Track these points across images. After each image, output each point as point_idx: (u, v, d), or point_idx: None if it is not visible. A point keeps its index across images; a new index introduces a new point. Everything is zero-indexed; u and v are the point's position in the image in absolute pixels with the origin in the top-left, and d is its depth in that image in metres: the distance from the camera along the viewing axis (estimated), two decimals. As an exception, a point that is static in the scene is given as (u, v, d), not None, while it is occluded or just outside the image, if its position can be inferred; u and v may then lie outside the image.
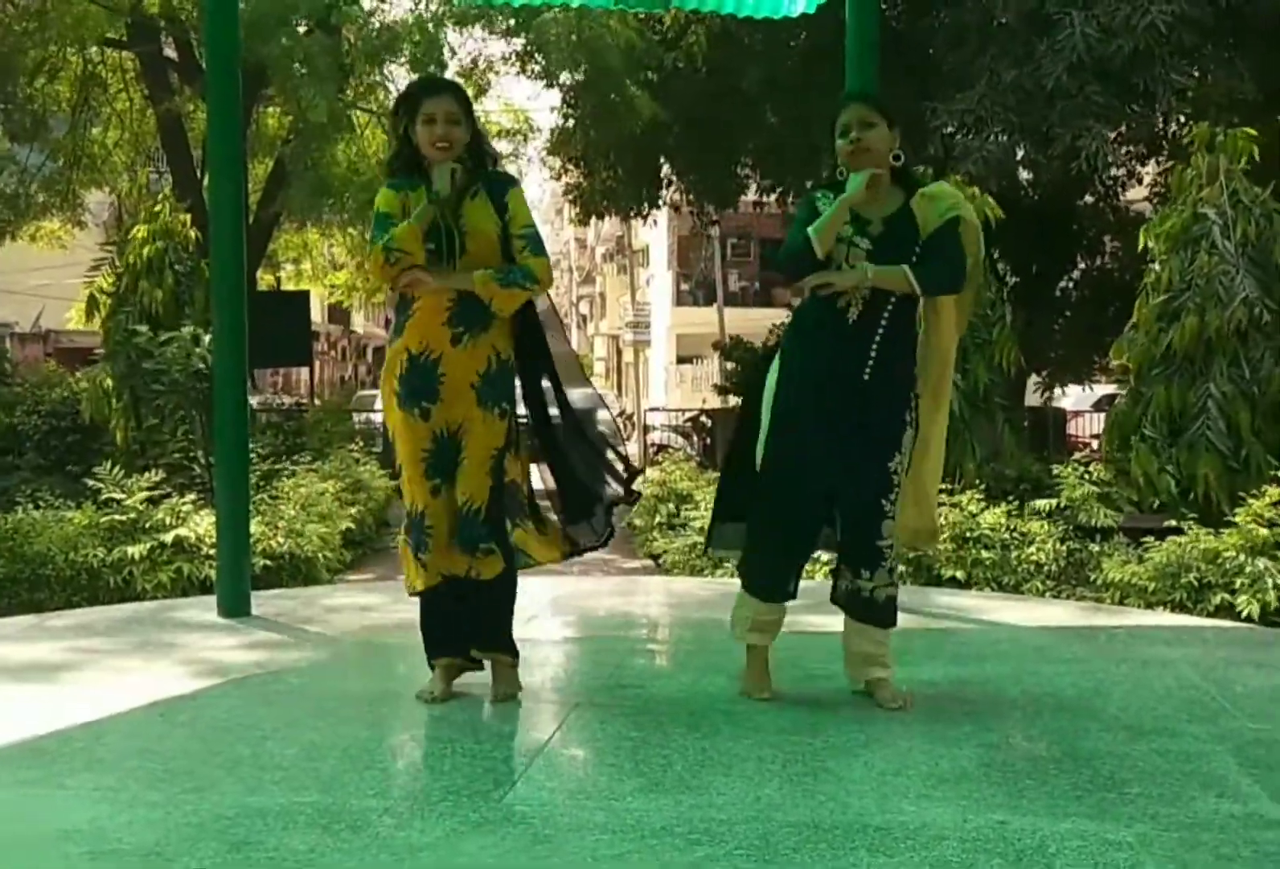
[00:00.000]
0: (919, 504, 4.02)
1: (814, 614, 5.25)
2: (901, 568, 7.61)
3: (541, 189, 34.43)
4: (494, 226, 3.82)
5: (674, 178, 16.47)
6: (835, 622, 5.30)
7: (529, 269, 3.81)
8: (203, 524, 7.80)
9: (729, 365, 16.08)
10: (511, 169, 18.66)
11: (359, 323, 47.87)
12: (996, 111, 10.17)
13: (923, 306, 3.93)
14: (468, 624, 3.95)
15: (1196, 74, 10.54)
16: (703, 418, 18.65)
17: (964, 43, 11.08)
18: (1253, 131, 8.26)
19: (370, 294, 23.82)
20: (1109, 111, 9.95)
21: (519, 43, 14.82)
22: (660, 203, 17.38)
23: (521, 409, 4.00)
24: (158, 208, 11.84)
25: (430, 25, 13.57)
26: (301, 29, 13.31)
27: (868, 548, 3.87)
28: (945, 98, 10.64)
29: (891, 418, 3.84)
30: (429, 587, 3.91)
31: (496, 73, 16.50)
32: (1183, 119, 11.74)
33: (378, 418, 11.89)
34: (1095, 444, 12.43)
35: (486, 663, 4.02)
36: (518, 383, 3.96)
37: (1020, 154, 10.79)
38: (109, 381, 11.22)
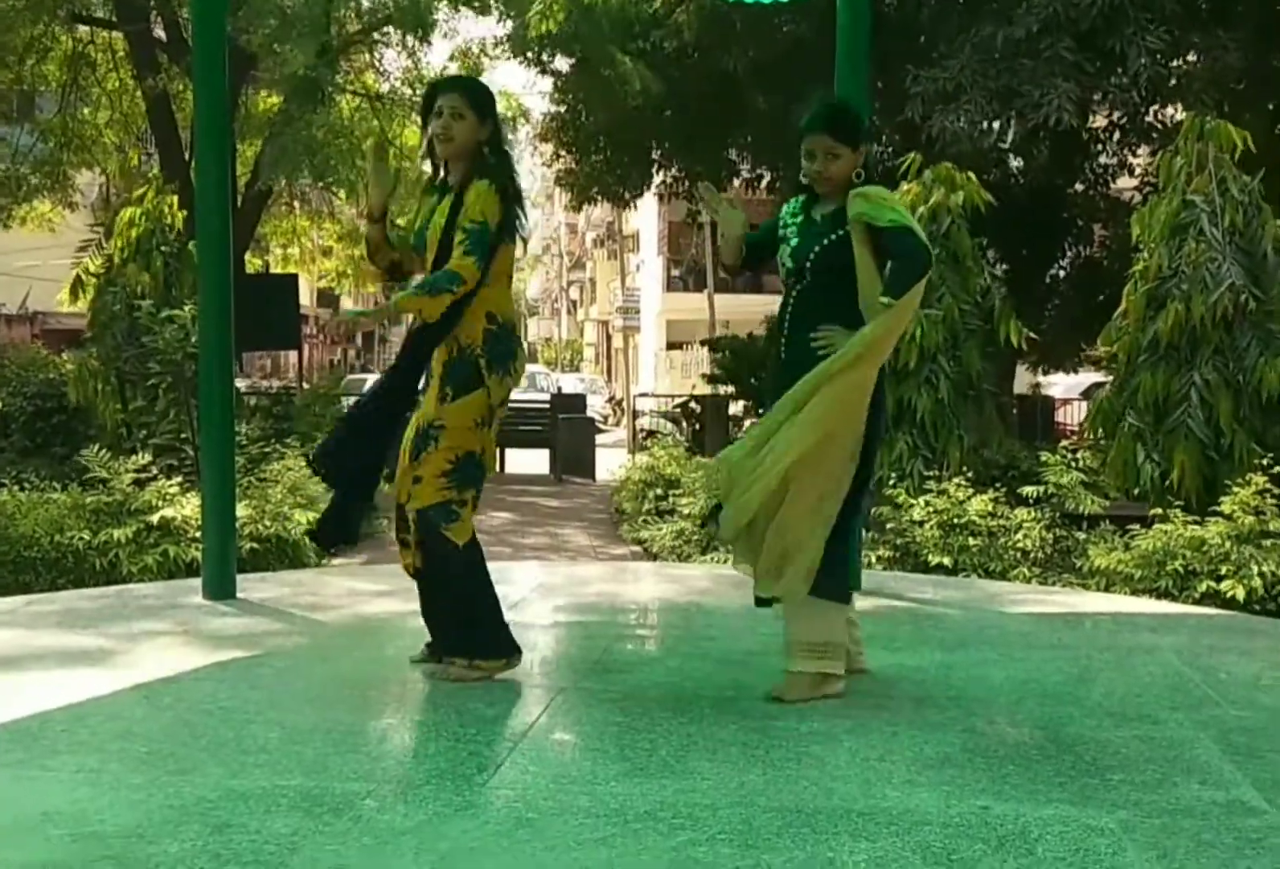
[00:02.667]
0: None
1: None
2: (884, 553, 7.65)
3: (533, 175, 34.43)
4: (448, 223, 3.87)
5: (665, 162, 16.44)
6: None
7: (451, 271, 3.80)
8: (189, 506, 7.78)
9: (718, 355, 16.07)
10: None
11: (348, 306, 47.75)
12: (976, 79, 10.15)
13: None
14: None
15: (1177, 45, 10.46)
16: (692, 404, 18.63)
17: (950, 15, 11.07)
18: (1235, 129, 8.24)
19: (360, 280, 23.78)
20: (1077, 71, 9.91)
21: (510, 25, 14.77)
22: (651, 188, 17.34)
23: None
24: (145, 189, 11.77)
25: (421, 3, 13.48)
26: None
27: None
28: (927, 67, 10.62)
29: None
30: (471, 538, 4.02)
31: (490, 57, 16.45)
32: (1165, 102, 11.71)
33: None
34: (1084, 431, 12.44)
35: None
36: None
37: (994, 126, 10.75)
38: (94, 363, 11.18)
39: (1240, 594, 6.27)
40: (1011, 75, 10.05)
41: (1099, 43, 9.94)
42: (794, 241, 3.98)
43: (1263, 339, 7.85)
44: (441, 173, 4.02)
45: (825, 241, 3.90)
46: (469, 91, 3.97)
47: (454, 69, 17.90)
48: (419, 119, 4.19)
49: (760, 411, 4.05)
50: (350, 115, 17.39)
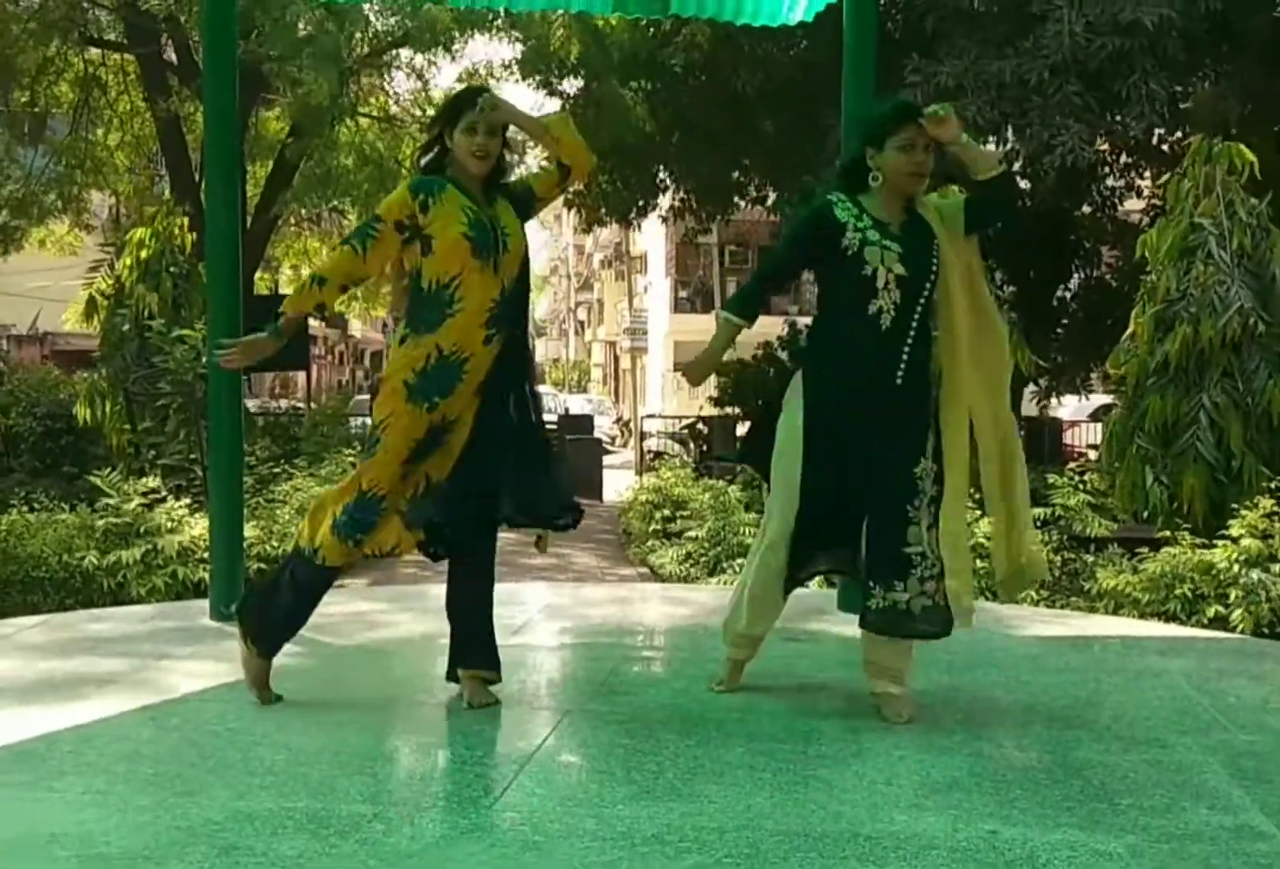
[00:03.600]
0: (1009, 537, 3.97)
1: (808, 622, 5.27)
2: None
3: (541, 196, 34.70)
4: (522, 230, 3.93)
5: (672, 183, 16.50)
6: (829, 628, 5.32)
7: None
8: (198, 528, 7.79)
9: (722, 379, 16.09)
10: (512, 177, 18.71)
11: (356, 327, 47.88)
12: (978, 86, 10.18)
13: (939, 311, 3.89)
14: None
15: (1178, 88, 10.55)
16: (699, 425, 18.66)
17: (955, 29, 11.11)
18: (1244, 149, 8.27)
19: (369, 300, 23.82)
20: (1086, 112, 9.96)
21: (519, 48, 14.86)
22: (658, 209, 17.40)
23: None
24: (155, 211, 11.85)
25: (438, 26, 13.56)
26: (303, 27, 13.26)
27: (897, 555, 3.76)
28: (930, 62, 10.65)
29: (922, 421, 3.81)
30: (336, 565, 3.94)
31: (498, 79, 16.54)
32: (1170, 130, 11.76)
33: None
34: (1092, 454, 12.44)
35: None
36: None
37: (991, 136, 10.79)
38: (104, 383, 11.22)
39: (1249, 626, 6.25)
40: (1017, 107, 10.09)
41: (1106, 85, 9.98)
42: (896, 248, 3.72)
43: (1271, 362, 7.85)
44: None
45: (935, 251, 3.75)
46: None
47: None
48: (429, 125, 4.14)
49: (847, 437, 3.84)
50: (369, 138, 17.51)
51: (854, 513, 3.85)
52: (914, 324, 3.75)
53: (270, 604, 4.03)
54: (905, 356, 3.75)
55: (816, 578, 5.01)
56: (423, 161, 4.00)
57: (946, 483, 3.83)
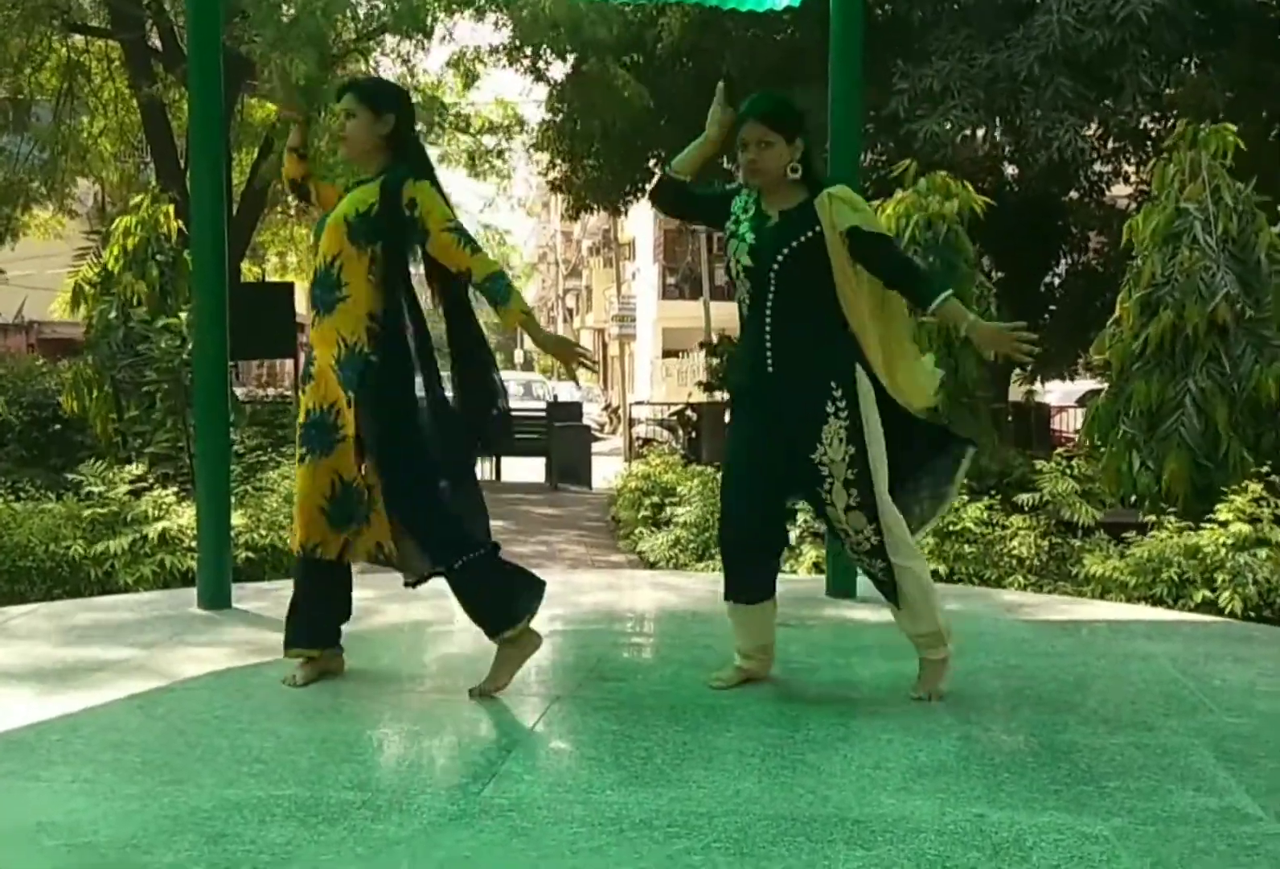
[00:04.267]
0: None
1: (797, 608, 5.27)
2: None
3: (529, 182, 34.46)
4: (350, 212, 3.86)
5: (660, 169, 16.46)
6: (819, 613, 5.33)
7: (498, 269, 3.88)
8: (185, 516, 7.77)
9: (713, 361, 16.07)
10: (499, 164, 18.62)
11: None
12: (964, 85, 10.18)
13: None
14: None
15: (1167, 78, 10.56)
16: (688, 412, 18.66)
17: (941, 20, 11.10)
18: (1232, 127, 8.27)
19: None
20: (1080, 103, 9.97)
21: (506, 33, 14.79)
22: (646, 195, 17.36)
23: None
24: (139, 199, 11.79)
25: (420, 12, 13.47)
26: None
27: (836, 532, 3.93)
28: (917, 65, 10.65)
29: (807, 409, 3.82)
30: (296, 549, 4.00)
31: (484, 63, 16.46)
32: (1158, 116, 11.78)
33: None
34: (1079, 439, 12.47)
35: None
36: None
37: (979, 133, 10.81)
38: (90, 372, 11.18)
39: (1238, 607, 6.27)
40: (1007, 100, 10.09)
41: (1097, 74, 9.98)
42: (750, 239, 3.85)
43: (1257, 346, 7.86)
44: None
45: (795, 244, 3.80)
46: (357, 90, 3.98)
47: (449, 76, 17.95)
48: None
49: (739, 419, 4.03)
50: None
51: (767, 499, 3.96)
52: (768, 312, 3.83)
53: None
54: (769, 344, 3.84)
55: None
56: None
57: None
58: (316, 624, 4.12)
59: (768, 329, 3.84)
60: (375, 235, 3.83)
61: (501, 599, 3.94)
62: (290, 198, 17.55)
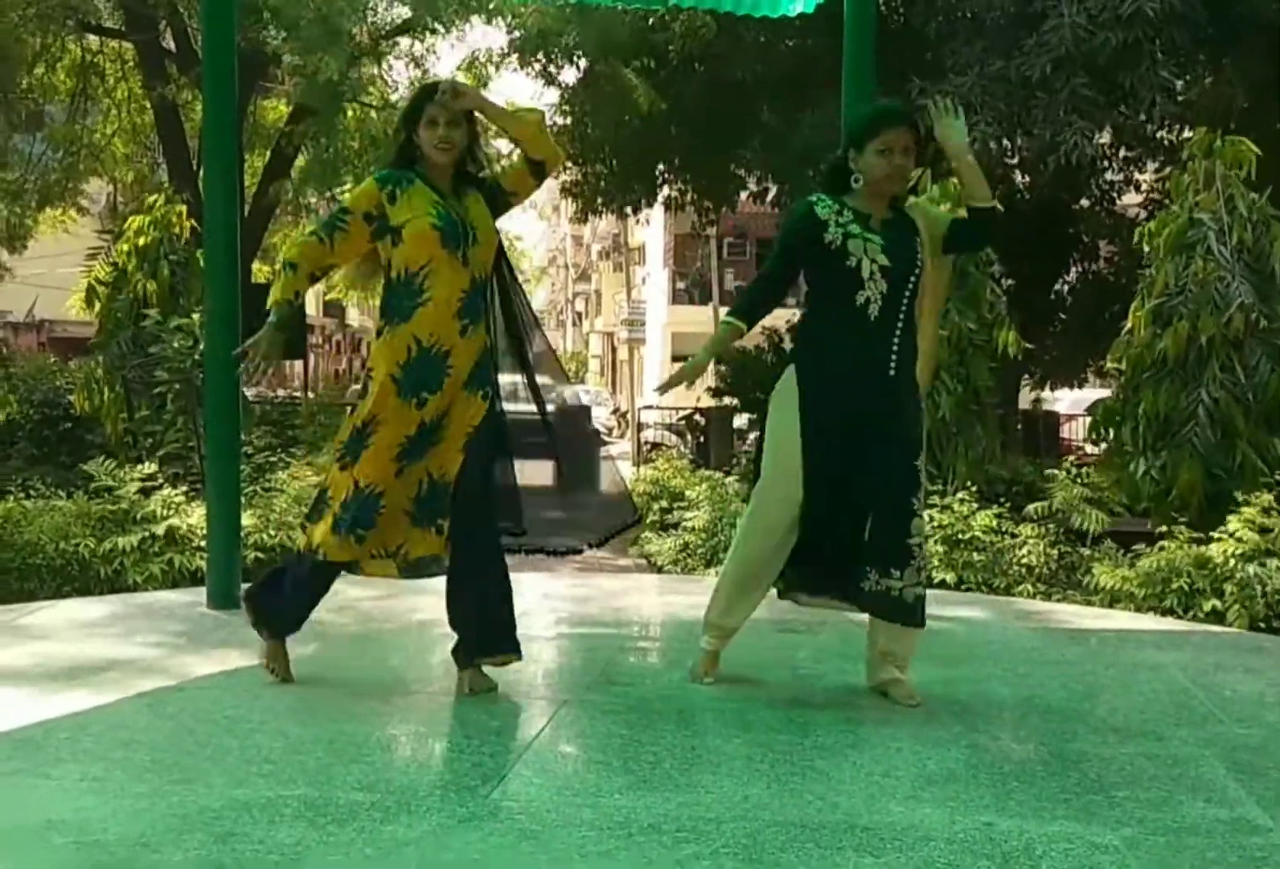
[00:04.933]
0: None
1: (803, 613, 5.26)
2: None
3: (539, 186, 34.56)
4: (492, 224, 3.95)
5: (671, 175, 16.47)
6: (826, 620, 5.32)
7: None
8: (195, 515, 7.78)
9: (722, 367, 16.07)
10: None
11: (354, 316, 47.82)
12: (985, 100, 10.18)
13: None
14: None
15: (1186, 79, 10.54)
16: (697, 416, 18.64)
17: (955, 34, 11.10)
18: (1249, 144, 8.25)
19: (366, 290, 23.79)
20: (1093, 107, 9.96)
21: (518, 34, 14.82)
22: (657, 201, 17.38)
23: (516, 406, 4.05)
24: (153, 199, 11.81)
25: (440, 12, 13.54)
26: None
27: (898, 546, 3.84)
28: (935, 81, 10.65)
29: (915, 412, 3.91)
30: (341, 561, 3.97)
31: (497, 67, 16.49)
32: (1171, 124, 11.75)
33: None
34: (1089, 448, 12.45)
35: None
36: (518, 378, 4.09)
37: (1002, 145, 10.80)
38: (101, 371, 11.20)
39: (1244, 624, 6.25)
40: (1022, 107, 10.09)
41: (1111, 77, 9.97)
42: (878, 240, 3.80)
43: (1272, 356, 7.83)
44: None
45: (919, 247, 3.85)
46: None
47: (461, 79, 17.97)
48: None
49: (848, 431, 3.88)
50: (373, 126, 17.50)
51: (855, 507, 3.88)
52: (901, 314, 3.83)
53: (275, 596, 4.09)
54: (895, 347, 3.82)
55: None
56: (393, 157, 4.05)
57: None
58: (301, 618, 4.17)
59: (897, 332, 3.81)
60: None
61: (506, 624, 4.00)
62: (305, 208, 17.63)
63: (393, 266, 3.88)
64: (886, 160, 3.81)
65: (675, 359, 35.43)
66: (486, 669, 4.02)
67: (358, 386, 4.73)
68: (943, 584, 7.26)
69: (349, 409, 4.43)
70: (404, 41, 16.59)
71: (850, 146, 3.91)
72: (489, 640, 3.99)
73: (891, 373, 3.81)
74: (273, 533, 8.15)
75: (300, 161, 16.61)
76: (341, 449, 3.94)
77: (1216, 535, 6.86)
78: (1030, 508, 7.94)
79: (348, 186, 16.20)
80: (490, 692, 3.98)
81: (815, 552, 3.95)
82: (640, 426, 21.80)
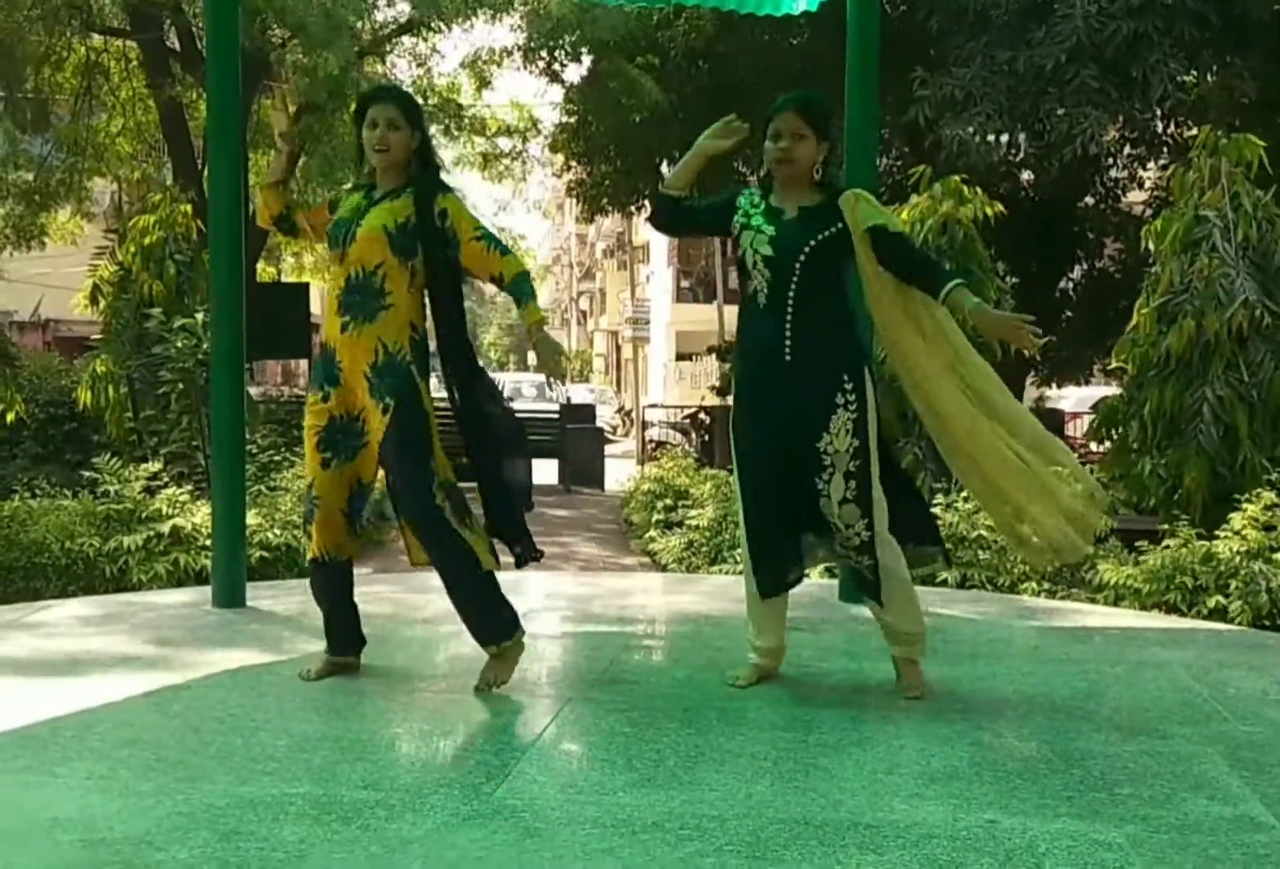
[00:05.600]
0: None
1: (809, 611, 5.27)
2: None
3: (544, 185, 34.50)
4: (386, 222, 3.90)
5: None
6: (830, 617, 5.32)
7: (524, 270, 3.97)
8: (199, 514, 7.80)
9: (725, 366, 16.09)
10: (514, 166, 18.66)
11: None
12: (987, 91, 10.19)
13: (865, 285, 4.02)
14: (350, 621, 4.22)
15: (1195, 72, 10.54)
16: (701, 415, 18.66)
17: (960, 28, 11.09)
18: (1255, 139, 8.24)
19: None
20: (1104, 98, 9.97)
21: (522, 34, 14.83)
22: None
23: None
24: (158, 198, 11.84)
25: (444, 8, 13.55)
26: None
27: (827, 524, 3.94)
28: (938, 74, 10.65)
29: (818, 398, 3.88)
30: (314, 556, 4.09)
31: (499, 65, 16.50)
32: (1181, 119, 11.74)
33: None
34: (1094, 446, 12.44)
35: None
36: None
37: (1003, 139, 10.80)
38: (106, 370, 11.22)
39: (1248, 619, 6.25)
40: (1032, 101, 10.08)
41: (1123, 69, 9.97)
42: (769, 230, 3.90)
43: (1276, 353, 7.82)
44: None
45: (820, 237, 3.86)
46: (401, 102, 4.00)
47: (464, 78, 17.99)
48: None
49: (757, 416, 3.99)
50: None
51: (784, 492, 3.97)
52: (789, 302, 3.87)
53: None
54: (789, 333, 3.88)
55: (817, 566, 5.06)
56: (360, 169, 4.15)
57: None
58: (353, 630, 4.25)
59: (788, 319, 3.88)
60: (414, 248, 3.90)
61: (496, 611, 4.02)
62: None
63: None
64: (774, 143, 3.90)
65: (680, 358, 35.46)
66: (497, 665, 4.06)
67: None
68: (946, 582, 7.26)
69: None
70: (406, 40, 16.61)
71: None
72: (472, 632, 4.05)
73: (786, 357, 3.88)
74: (278, 532, 8.17)
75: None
76: None
77: (1221, 533, 6.86)
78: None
79: (349, 186, 16.20)
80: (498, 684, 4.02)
81: (770, 544, 4.02)
82: (645, 425, 21.80)
